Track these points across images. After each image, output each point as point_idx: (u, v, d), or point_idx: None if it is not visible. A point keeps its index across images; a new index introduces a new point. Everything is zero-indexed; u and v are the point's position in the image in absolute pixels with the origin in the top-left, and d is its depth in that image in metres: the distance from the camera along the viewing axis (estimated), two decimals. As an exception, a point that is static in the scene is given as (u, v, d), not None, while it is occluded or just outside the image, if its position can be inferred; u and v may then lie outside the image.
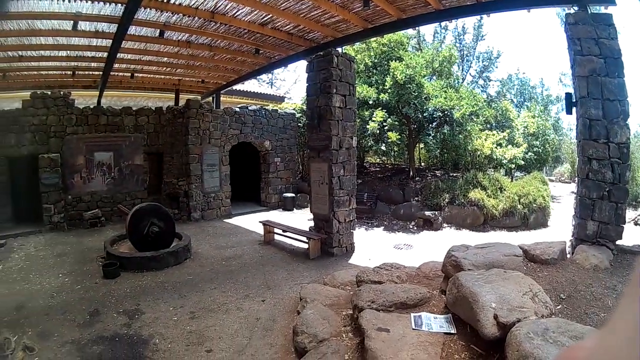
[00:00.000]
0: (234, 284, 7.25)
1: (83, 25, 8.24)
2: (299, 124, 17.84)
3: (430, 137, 14.62)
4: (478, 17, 22.08)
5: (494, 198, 12.40)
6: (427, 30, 32.11)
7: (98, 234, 11.39)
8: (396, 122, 13.95)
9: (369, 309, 4.48)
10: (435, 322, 4.10)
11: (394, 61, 14.02)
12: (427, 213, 12.46)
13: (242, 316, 5.86)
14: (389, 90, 13.82)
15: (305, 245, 9.32)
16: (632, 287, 0.43)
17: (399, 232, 12.18)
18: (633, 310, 0.41)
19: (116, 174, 13.52)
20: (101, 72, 11.09)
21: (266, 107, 17.17)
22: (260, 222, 10.96)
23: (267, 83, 33.28)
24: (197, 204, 13.88)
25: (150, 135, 14.17)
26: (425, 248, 9.96)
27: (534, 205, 12.30)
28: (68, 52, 10.01)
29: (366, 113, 14.22)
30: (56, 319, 5.76)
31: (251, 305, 6.28)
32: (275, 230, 10.42)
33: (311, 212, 10.01)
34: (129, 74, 12.57)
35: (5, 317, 5.67)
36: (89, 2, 7.16)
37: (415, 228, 12.47)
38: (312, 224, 10.16)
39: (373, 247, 10.15)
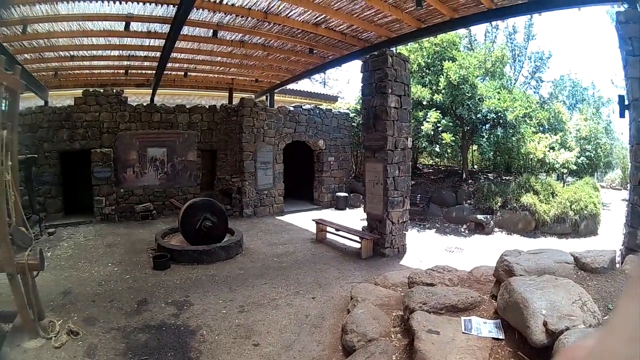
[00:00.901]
0: (285, 280, 7.35)
1: (135, 26, 8.58)
2: (353, 124, 17.86)
3: (484, 139, 14.26)
4: (529, 16, 21.46)
5: (545, 203, 11.99)
6: (478, 30, 31.34)
7: (149, 227, 11.87)
8: (450, 124, 13.72)
9: (420, 310, 4.47)
10: (484, 327, 4.07)
11: (447, 61, 13.83)
12: (479, 217, 12.22)
13: (292, 312, 5.91)
14: (443, 91, 13.66)
15: (358, 245, 9.37)
16: (632, 287, 0.45)
17: (450, 234, 12.02)
18: (633, 310, 0.43)
19: (169, 169, 14.07)
20: (154, 71, 11.53)
21: (320, 107, 17.34)
22: (313, 220, 11.07)
23: (320, 82, 33.49)
24: (250, 200, 14.21)
25: (203, 133, 14.69)
26: (476, 252, 9.78)
27: (585, 211, 11.75)
28: (120, 51, 10.43)
29: (420, 114, 14.10)
30: (103, 306, 5.99)
31: (301, 301, 6.32)
32: (328, 229, 10.50)
33: (365, 212, 10.01)
34: (183, 73, 13.02)
35: (51, 302, 5.90)
36: (141, 3, 7.45)
37: (467, 231, 12.27)
38: (364, 223, 10.19)
39: (424, 249, 10.07)
